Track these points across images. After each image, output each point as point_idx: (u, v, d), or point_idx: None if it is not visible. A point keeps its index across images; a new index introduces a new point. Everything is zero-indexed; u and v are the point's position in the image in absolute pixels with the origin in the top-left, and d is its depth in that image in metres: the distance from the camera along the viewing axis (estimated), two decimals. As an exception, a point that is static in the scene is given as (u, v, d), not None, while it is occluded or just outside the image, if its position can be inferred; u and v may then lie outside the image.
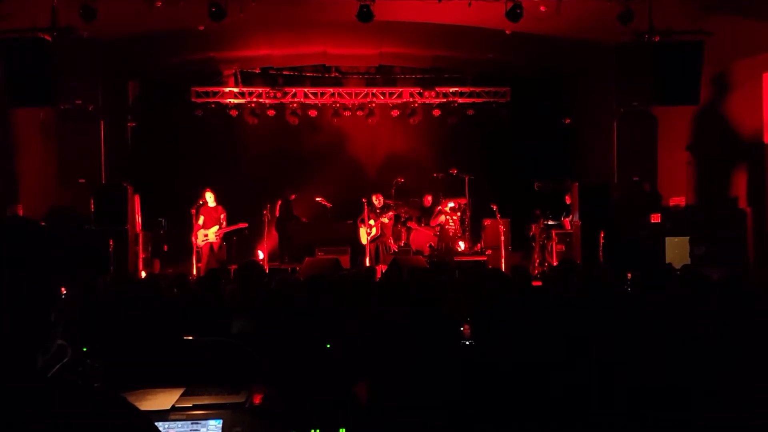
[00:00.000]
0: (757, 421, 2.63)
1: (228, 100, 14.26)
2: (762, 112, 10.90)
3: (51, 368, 1.34)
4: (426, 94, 14.44)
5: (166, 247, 12.71)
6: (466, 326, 3.66)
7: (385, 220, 12.49)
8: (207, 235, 11.76)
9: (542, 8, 9.83)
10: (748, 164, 11.21)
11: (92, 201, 10.70)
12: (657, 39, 10.13)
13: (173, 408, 2.58)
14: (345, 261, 11.71)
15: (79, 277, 5.89)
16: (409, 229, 13.12)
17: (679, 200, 11.64)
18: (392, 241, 12.63)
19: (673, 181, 11.97)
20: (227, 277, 8.06)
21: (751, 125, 11.03)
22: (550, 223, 12.61)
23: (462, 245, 13.06)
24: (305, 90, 14.41)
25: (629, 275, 5.56)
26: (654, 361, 3.15)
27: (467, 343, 3.65)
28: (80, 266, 7.16)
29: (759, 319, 3.71)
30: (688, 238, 10.67)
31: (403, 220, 12.94)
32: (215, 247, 11.85)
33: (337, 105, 14.39)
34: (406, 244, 12.93)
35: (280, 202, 13.34)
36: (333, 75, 14.86)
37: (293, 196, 13.62)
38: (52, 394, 1.25)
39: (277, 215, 13.28)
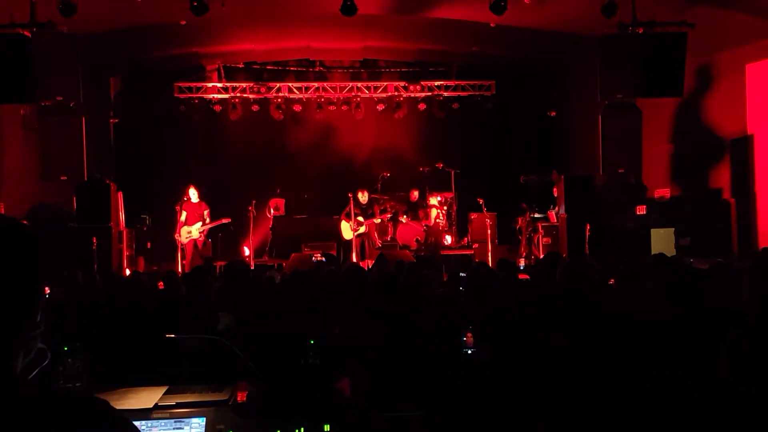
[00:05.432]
0: (741, 414, 2.63)
1: (211, 96, 14.18)
2: (745, 103, 10.97)
3: (31, 371, 1.31)
4: (411, 87, 14.45)
5: (150, 245, 12.62)
6: (469, 335, 3.44)
7: (377, 221, 12.49)
8: (190, 231, 11.68)
9: (526, 0, 9.82)
10: (732, 155, 11.29)
11: (75, 198, 10.59)
12: (641, 31, 10.16)
13: (156, 406, 2.56)
14: (331, 256, 11.69)
15: (62, 275, 5.82)
16: (396, 224, 13.09)
17: (664, 192, 11.70)
18: (377, 236, 12.62)
19: (658, 173, 12.03)
20: (213, 274, 8.00)
21: (734, 116, 11.10)
22: (537, 216, 12.65)
23: (449, 239, 13.07)
24: (289, 84, 14.36)
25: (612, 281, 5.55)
26: (639, 354, 3.15)
27: (469, 352, 3.46)
28: (63, 265, 7.08)
29: (743, 310, 3.72)
30: (673, 229, 10.73)
31: (390, 216, 12.89)
32: (199, 244, 11.77)
33: (322, 99, 14.35)
34: (393, 239, 12.91)
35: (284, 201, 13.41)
36: (317, 69, 14.83)
37: (278, 190, 13.60)
38: (31, 398, 1.22)
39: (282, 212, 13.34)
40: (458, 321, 3.66)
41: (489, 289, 4.42)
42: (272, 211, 13.40)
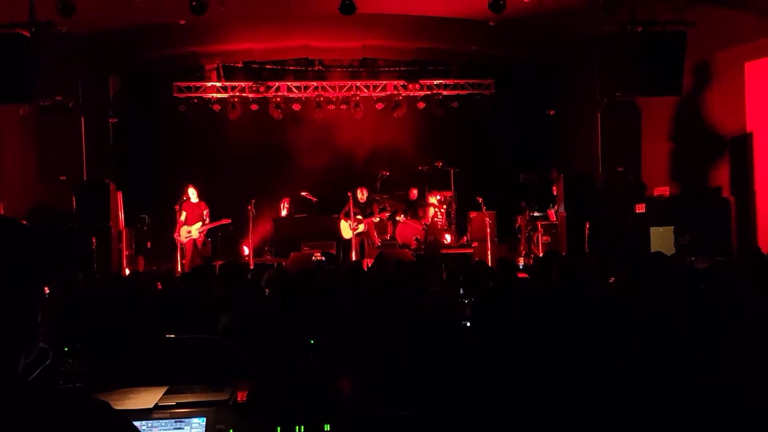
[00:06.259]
0: (740, 412, 2.63)
1: (210, 95, 14.18)
2: (744, 101, 10.97)
3: (32, 371, 1.31)
4: (410, 86, 14.44)
5: (150, 244, 12.62)
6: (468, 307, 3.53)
7: (376, 220, 12.50)
8: (190, 231, 11.68)
9: (525, 0, 9.82)
10: (731, 153, 11.28)
11: (74, 198, 10.59)
12: (640, 29, 10.16)
13: (156, 406, 2.56)
14: (331, 255, 11.67)
15: (61, 275, 5.82)
16: (395, 223, 13.10)
17: (663, 190, 11.70)
18: (376, 235, 12.62)
19: (658, 171, 12.03)
20: (213, 274, 7.98)
21: (733, 114, 11.09)
22: (536, 214, 12.65)
23: (448, 238, 13.07)
24: (288, 84, 14.35)
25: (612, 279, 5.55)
26: (635, 352, 3.14)
27: (467, 324, 3.55)
28: (63, 265, 7.08)
29: (742, 309, 3.73)
30: (672, 227, 10.73)
31: (388, 215, 12.89)
32: (199, 244, 11.77)
33: (321, 98, 14.35)
34: (392, 238, 12.91)
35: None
36: (316, 68, 14.82)
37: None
38: (31, 398, 1.22)
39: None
40: (456, 319, 3.67)
41: (488, 288, 4.42)
42: (287, 209, 13.44)
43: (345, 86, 14.43)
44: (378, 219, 12.53)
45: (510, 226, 13.06)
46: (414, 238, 12.85)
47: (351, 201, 12.16)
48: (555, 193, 12.12)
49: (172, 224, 11.85)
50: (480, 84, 14.55)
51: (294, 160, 14.16)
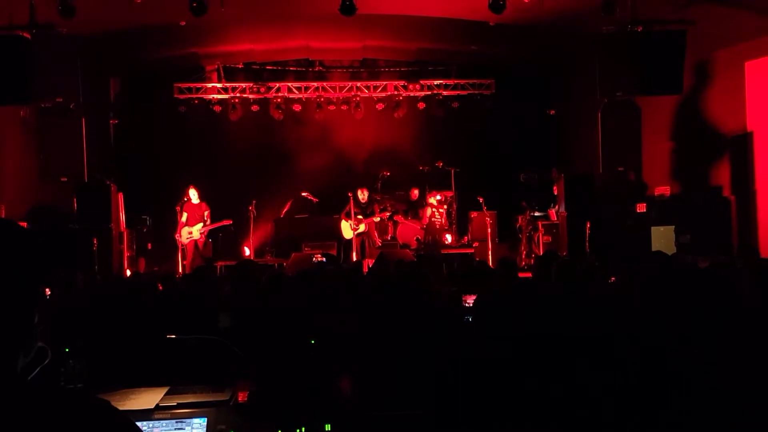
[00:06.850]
0: (740, 412, 2.63)
1: (211, 96, 14.18)
2: (744, 100, 10.95)
3: (31, 371, 1.32)
4: (410, 86, 14.44)
5: (150, 245, 12.63)
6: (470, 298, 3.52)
7: (377, 220, 12.51)
8: (191, 232, 11.70)
9: (525, 0, 9.83)
10: (732, 153, 11.27)
11: (75, 200, 10.60)
12: (639, 29, 10.16)
13: (157, 407, 2.56)
14: (332, 256, 11.66)
15: (62, 276, 5.83)
16: (396, 223, 13.10)
17: (664, 189, 11.70)
18: (376, 235, 12.62)
19: (658, 171, 12.02)
20: (214, 275, 7.99)
21: (734, 114, 11.08)
22: (537, 214, 12.66)
23: (449, 238, 13.08)
24: (289, 84, 14.35)
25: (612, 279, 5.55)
26: (635, 352, 3.14)
27: (469, 319, 3.55)
28: (63, 266, 7.09)
29: (742, 309, 3.72)
30: (673, 227, 10.73)
31: (389, 215, 12.91)
32: (200, 245, 11.79)
33: (322, 99, 14.35)
34: (393, 238, 12.91)
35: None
36: (317, 69, 14.82)
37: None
38: (32, 398, 1.23)
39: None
40: (457, 318, 3.67)
41: (488, 288, 4.42)
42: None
43: (345, 87, 14.43)
44: (378, 219, 12.55)
45: (511, 226, 13.06)
46: (415, 238, 12.86)
47: (351, 201, 12.17)
48: (555, 193, 12.13)
49: (173, 225, 11.86)
50: (480, 84, 14.54)
51: (295, 161, 14.16)
